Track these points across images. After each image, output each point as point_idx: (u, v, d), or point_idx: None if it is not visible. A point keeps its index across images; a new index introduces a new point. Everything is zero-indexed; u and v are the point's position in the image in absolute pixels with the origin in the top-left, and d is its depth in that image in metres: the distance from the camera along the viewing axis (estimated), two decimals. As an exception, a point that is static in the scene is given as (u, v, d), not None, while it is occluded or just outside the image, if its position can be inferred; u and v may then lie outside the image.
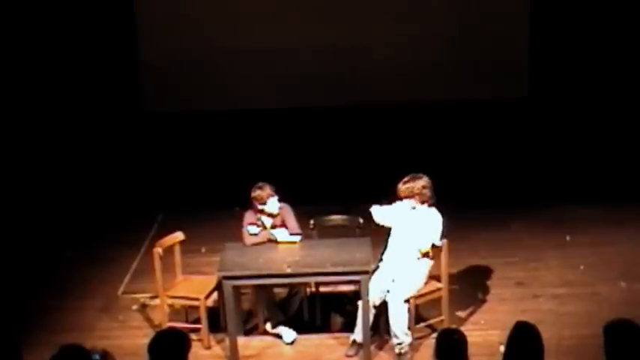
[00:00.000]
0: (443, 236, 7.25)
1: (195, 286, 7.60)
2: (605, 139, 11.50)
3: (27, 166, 11.23)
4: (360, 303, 7.11)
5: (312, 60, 12.25)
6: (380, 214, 7.30)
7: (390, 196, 7.33)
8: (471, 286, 8.29)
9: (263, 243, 7.47)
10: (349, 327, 7.41)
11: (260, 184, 7.48)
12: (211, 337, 7.48)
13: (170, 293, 7.55)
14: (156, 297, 7.81)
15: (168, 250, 7.60)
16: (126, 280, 8.77)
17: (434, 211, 7.27)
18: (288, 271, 7.07)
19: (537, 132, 11.81)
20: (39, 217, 10.22)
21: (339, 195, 9.94)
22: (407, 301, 7.10)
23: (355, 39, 12.21)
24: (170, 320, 7.51)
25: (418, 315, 7.36)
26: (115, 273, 8.88)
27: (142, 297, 8.34)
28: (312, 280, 7.46)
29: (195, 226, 8.63)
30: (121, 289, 8.60)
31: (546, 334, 5.07)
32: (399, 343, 7.09)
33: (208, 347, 7.42)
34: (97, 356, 4.99)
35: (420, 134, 11.82)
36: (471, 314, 7.84)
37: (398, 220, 7.29)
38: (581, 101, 11.90)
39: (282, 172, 8.64)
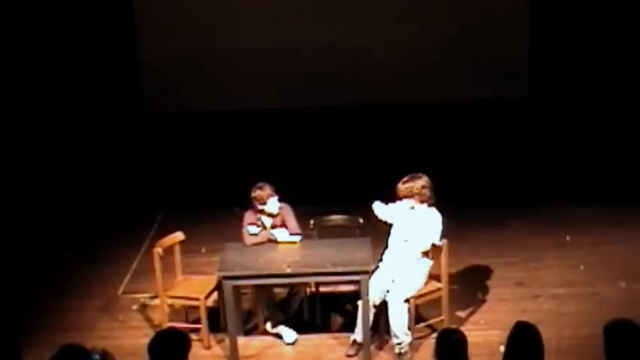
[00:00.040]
0: (443, 236, 7.25)
1: (195, 286, 7.60)
2: (605, 139, 11.50)
3: (27, 167, 11.23)
4: (360, 303, 7.11)
5: (312, 60, 12.26)
6: (381, 210, 7.30)
7: (389, 196, 7.33)
8: (471, 286, 8.29)
9: (263, 243, 7.47)
10: (349, 327, 7.41)
11: (260, 184, 7.48)
12: (211, 337, 7.47)
13: (170, 293, 7.55)
14: (156, 297, 7.81)
15: (168, 250, 7.60)
16: (126, 280, 8.77)
17: (433, 210, 7.27)
18: (288, 271, 7.07)
19: (537, 132, 11.82)
20: (39, 217, 10.22)
21: (339, 195, 9.94)
22: (407, 301, 7.10)
23: (355, 39, 12.21)
24: (170, 320, 7.51)
25: (418, 315, 7.36)
26: (115, 273, 8.88)
27: (142, 297, 8.33)
28: (312, 280, 7.45)
29: (195, 226, 8.63)
30: (121, 289, 8.60)
31: (546, 334, 5.07)
32: (399, 343, 7.09)
33: (208, 347, 7.42)
34: (97, 356, 4.99)
35: (420, 134, 11.83)
36: (471, 314, 7.84)
37: (398, 219, 7.30)
38: (581, 101, 11.91)
39: (282, 172, 8.65)
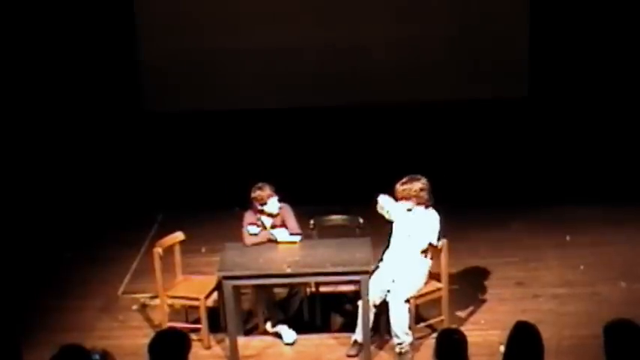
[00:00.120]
0: (440, 236, 7.25)
1: (195, 286, 7.60)
2: (605, 139, 11.50)
3: (27, 167, 11.23)
4: (360, 303, 7.11)
5: (312, 60, 12.26)
6: (386, 202, 7.28)
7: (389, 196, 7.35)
8: (471, 286, 8.29)
9: (263, 243, 7.47)
10: (349, 327, 7.41)
11: (260, 184, 7.48)
12: (211, 337, 7.47)
13: (170, 293, 7.55)
14: (156, 297, 7.81)
15: (168, 250, 7.60)
16: (126, 280, 8.77)
17: (431, 211, 7.28)
18: (288, 271, 7.07)
19: (537, 132, 11.82)
20: (39, 217, 10.22)
21: (339, 195, 9.94)
22: (407, 301, 7.10)
23: (355, 39, 12.22)
24: (170, 320, 7.51)
25: (418, 315, 7.36)
26: (115, 273, 8.88)
27: (142, 297, 8.33)
28: (312, 280, 7.45)
29: (195, 226, 8.63)
30: (121, 289, 8.60)
31: (546, 334, 5.07)
32: (400, 343, 7.09)
33: (208, 347, 7.42)
34: (97, 356, 4.98)
35: (420, 134, 11.83)
36: (471, 314, 7.84)
37: (397, 218, 7.30)
38: (581, 101, 11.91)
39: (282, 172, 8.65)
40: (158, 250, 7.39)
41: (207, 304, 7.46)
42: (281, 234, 7.49)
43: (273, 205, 7.47)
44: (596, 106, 11.85)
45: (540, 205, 10.02)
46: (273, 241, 7.48)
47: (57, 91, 12.02)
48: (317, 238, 7.82)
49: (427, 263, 7.32)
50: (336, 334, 7.56)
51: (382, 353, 7.28)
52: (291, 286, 7.59)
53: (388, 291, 7.16)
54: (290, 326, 7.52)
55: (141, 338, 6.95)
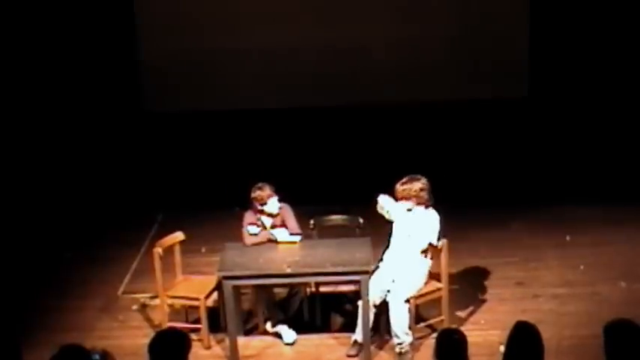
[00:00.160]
0: (440, 236, 7.25)
1: (195, 286, 7.59)
2: (605, 138, 11.50)
3: (27, 167, 11.23)
4: (360, 303, 7.11)
5: (312, 60, 12.26)
6: (386, 202, 7.28)
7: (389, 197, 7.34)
8: (471, 286, 8.29)
9: (263, 243, 7.47)
10: (349, 327, 7.41)
11: (260, 184, 7.48)
12: (211, 337, 7.47)
13: (170, 293, 7.55)
14: (156, 297, 7.81)
15: (168, 250, 7.60)
16: (126, 280, 8.77)
17: (431, 211, 7.28)
18: (288, 271, 7.07)
19: (537, 132, 11.82)
20: (39, 217, 10.22)
21: (339, 195, 9.94)
22: (407, 300, 7.10)
23: (355, 39, 12.21)
24: (170, 320, 7.50)
25: (418, 315, 7.36)
26: (115, 273, 8.88)
27: (142, 297, 8.33)
28: (312, 280, 7.45)
29: (195, 226, 8.63)
30: (121, 289, 8.60)
31: (546, 334, 5.07)
32: (400, 343, 7.09)
33: (208, 347, 7.42)
34: (97, 356, 4.98)
35: (420, 134, 11.83)
36: (471, 314, 7.83)
37: (397, 218, 7.30)
38: (581, 101, 11.91)
39: (282, 172, 8.65)
40: (158, 250, 7.39)
41: (207, 304, 7.46)
42: (281, 234, 7.49)
43: (273, 205, 7.47)
44: (596, 106, 11.85)
45: (540, 205, 10.02)
46: (273, 241, 7.48)
47: (57, 91, 12.02)
48: (317, 238, 7.82)
49: (427, 263, 7.32)
50: (336, 334, 7.56)
51: (382, 353, 7.28)
52: (291, 286, 7.59)
53: (388, 291, 7.16)
54: (290, 326, 7.52)
55: (141, 338, 6.95)
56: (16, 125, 11.65)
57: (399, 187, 7.24)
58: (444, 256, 7.24)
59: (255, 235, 7.49)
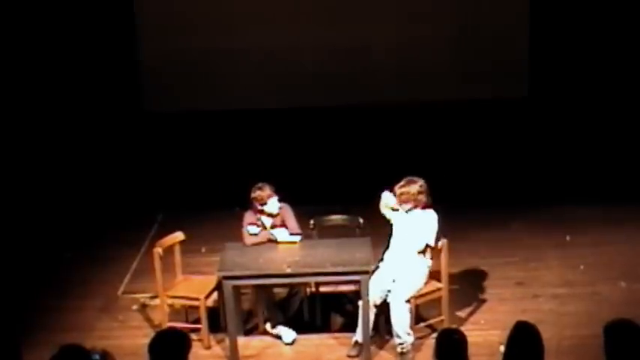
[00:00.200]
0: (439, 237, 7.25)
1: (195, 286, 7.59)
2: (605, 138, 11.50)
3: (27, 167, 11.23)
4: (360, 303, 7.11)
5: (312, 60, 12.26)
6: (389, 200, 7.27)
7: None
8: (471, 286, 8.29)
9: (263, 243, 7.47)
10: (349, 327, 7.41)
11: (260, 184, 7.47)
12: (211, 337, 7.47)
13: (170, 293, 7.55)
14: (156, 297, 7.81)
15: (168, 250, 7.59)
16: (126, 280, 8.77)
17: (430, 211, 7.27)
18: (288, 271, 7.07)
19: (537, 132, 11.82)
20: (39, 217, 10.22)
21: (339, 195, 9.94)
22: (408, 301, 7.10)
23: (355, 39, 12.22)
24: (170, 320, 7.50)
25: (418, 315, 7.36)
26: (115, 273, 8.88)
27: (142, 297, 8.33)
28: (312, 280, 7.45)
29: (195, 226, 8.63)
30: (121, 289, 8.60)
31: (546, 334, 5.07)
32: (401, 343, 7.09)
33: (208, 347, 7.42)
34: (97, 356, 4.98)
35: (420, 134, 11.83)
36: (471, 314, 7.83)
37: (396, 219, 7.30)
38: (581, 101, 11.91)
39: (282, 172, 8.65)
40: (158, 250, 7.39)
41: (207, 304, 7.45)
42: (281, 234, 7.49)
43: (273, 205, 7.47)
44: (596, 106, 11.85)
45: (540, 205, 10.02)
46: (273, 241, 7.48)
47: (57, 91, 12.01)
48: (317, 238, 7.82)
49: (427, 263, 7.32)
50: (336, 334, 7.56)
51: (383, 353, 7.27)
52: (291, 286, 7.59)
53: (389, 291, 7.16)
54: (290, 326, 7.52)
55: (141, 338, 6.95)
56: (16, 125, 11.64)
57: (396, 190, 7.23)
58: (444, 256, 7.24)
59: (255, 235, 7.49)
